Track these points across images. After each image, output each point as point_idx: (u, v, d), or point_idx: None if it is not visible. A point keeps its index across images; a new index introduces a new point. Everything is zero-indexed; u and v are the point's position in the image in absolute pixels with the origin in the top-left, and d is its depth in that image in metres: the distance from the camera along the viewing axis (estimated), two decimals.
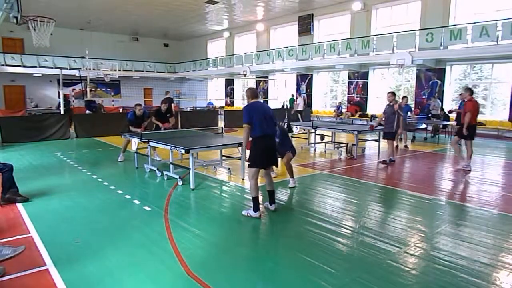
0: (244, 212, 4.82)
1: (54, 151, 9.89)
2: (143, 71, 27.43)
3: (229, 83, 27.63)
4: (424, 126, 13.52)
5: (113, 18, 23.03)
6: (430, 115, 13.91)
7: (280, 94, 21.53)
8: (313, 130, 10.22)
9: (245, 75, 23.28)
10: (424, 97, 16.04)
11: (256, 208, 4.68)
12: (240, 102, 26.37)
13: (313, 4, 19.71)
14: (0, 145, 10.78)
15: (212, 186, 6.42)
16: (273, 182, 5.05)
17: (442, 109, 13.76)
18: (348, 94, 19.53)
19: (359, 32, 17.97)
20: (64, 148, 10.66)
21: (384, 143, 8.69)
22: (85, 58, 21.97)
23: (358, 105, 19.01)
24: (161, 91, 28.91)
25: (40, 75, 23.26)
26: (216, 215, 4.93)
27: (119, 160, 8.50)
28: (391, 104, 8.32)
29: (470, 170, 7.70)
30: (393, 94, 8.43)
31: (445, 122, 12.78)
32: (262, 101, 12.15)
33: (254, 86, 25.24)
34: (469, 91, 7.81)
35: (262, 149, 4.69)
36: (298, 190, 6.37)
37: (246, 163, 4.91)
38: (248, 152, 4.84)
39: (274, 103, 21.24)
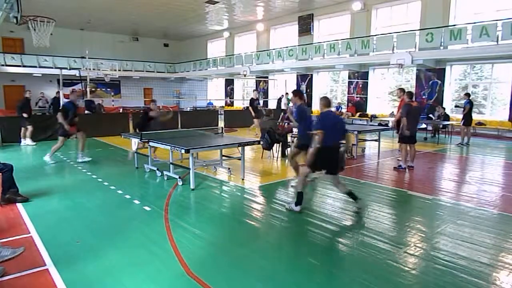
0: (287, 206, 5.06)
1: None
2: (143, 71, 27.43)
3: (229, 83, 27.63)
4: (424, 126, 13.53)
5: (113, 18, 23.02)
6: (430, 114, 13.95)
7: (280, 94, 21.53)
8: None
9: (245, 75, 23.28)
10: (424, 97, 16.04)
11: (298, 203, 4.92)
12: (240, 102, 26.38)
13: (313, 4, 19.71)
14: (0, 145, 10.78)
15: (212, 186, 6.42)
16: (344, 185, 5.17)
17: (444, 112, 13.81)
18: (348, 94, 19.53)
19: (359, 32, 17.96)
20: (64, 148, 10.64)
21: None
22: (85, 58, 21.97)
23: (355, 106, 19.01)
24: (161, 91, 29.01)
25: (40, 75, 23.26)
26: (216, 215, 4.93)
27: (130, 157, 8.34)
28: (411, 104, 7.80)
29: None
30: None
31: (445, 122, 12.79)
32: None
33: (254, 85, 25.27)
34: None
35: (327, 157, 4.87)
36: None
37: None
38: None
39: (274, 103, 21.24)
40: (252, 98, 13.87)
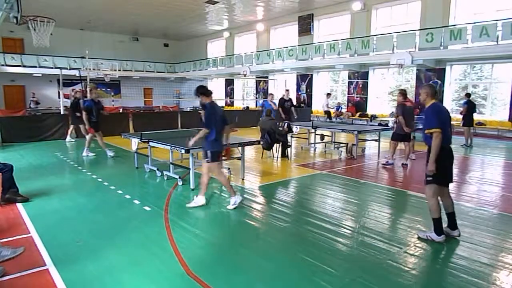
0: (421, 235, 4.06)
1: (54, 151, 9.89)
2: (143, 71, 27.43)
3: (229, 83, 27.63)
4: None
5: (113, 18, 23.03)
6: None
7: (279, 94, 21.56)
8: (313, 130, 10.22)
9: (245, 75, 23.29)
10: None
11: (439, 231, 3.95)
12: (240, 102, 26.36)
13: (313, 4, 19.71)
14: (0, 145, 10.78)
15: (212, 186, 6.42)
16: (453, 203, 4.17)
17: None
18: (348, 94, 19.53)
19: (359, 32, 17.96)
20: (64, 148, 10.66)
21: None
22: (85, 58, 21.94)
23: (355, 106, 19.00)
24: (161, 91, 29.00)
25: (40, 75, 23.25)
26: (216, 215, 4.93)
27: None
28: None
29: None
30: (403, 94, 8.14)
31: None
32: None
33: (254, 85, 25.21)
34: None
35: (447, 161, 3.98)
36: (298, 190, 6.38)
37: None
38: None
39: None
40: (281, 98, 12.46)
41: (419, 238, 4.07)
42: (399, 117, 7.94)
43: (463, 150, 10.64)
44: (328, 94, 18.21)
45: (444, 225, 4.10)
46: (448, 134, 3.96)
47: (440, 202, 4.09)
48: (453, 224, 4.09)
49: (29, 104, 22.36)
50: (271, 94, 12.43)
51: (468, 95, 11.47)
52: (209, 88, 5.27)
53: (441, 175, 3.93)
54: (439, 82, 15.59)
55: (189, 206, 5.14)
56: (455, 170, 7.99)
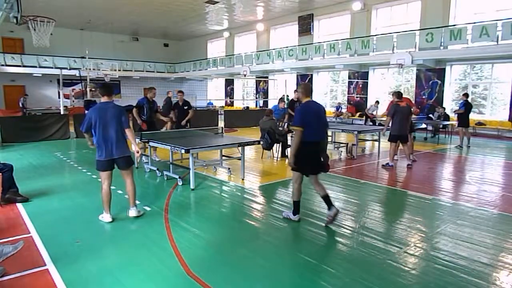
0: (284, 214, 4.77)
1: (54, 151, 9.88)
2: (143, 71, 27.42)
3: (229, 83, 27.64)
4: (424, 126, 13.53)
5: (113, 18, 23.02)
6: (430, 114, 13.95)
7: (280, 95, 21.55)
8: None
9: (245, 75, 23.28)
10: (424, 97, 16.05)
11: (296, 212, 4.61)
12: (240, 102, 26.37)
13: (313, 4, 19.71)
14: (0, 145, 10.78)
15: (212, 186, 6.42)
16: (324, 188, 4.59)
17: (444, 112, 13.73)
18: (348, 94, 19.53)
19: (359, 32, 17.96)
20: (64, 148, 10.66)
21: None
22: (85, 58, 21.95)
23: (355, 106, 18.95)
24: (161, 91, 28.93)
25: (40, 75, 23.25)
26: (216, 215, 4.93)
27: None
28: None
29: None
30: (397, 94, 8.08)
31: (445, 122, 12.78)
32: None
33: (254, 85, 25.23)
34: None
35: (310, 155, 4.38)
36: None
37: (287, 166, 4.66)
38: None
39: (274, 103, 21.25)
40: (292, 100, 11.32)
41: (283, 218, 4.65)
42: (387, 118, 8.00)
43: (459, 150, 10.60)
44: (377, 102, 16.56)
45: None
46: (315, 131, 4.32)
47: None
48: (329, 205, 4.47)
49: (21, 103, 21.66)
50: (282, 98, 12.09)
51: (466, 95, 11.23)
52: (109, 86, 4.76)
53: (303, 166, 4.38)
54: (439, 82, 15.60)
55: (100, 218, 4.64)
56: (454, 170, 8.05)
